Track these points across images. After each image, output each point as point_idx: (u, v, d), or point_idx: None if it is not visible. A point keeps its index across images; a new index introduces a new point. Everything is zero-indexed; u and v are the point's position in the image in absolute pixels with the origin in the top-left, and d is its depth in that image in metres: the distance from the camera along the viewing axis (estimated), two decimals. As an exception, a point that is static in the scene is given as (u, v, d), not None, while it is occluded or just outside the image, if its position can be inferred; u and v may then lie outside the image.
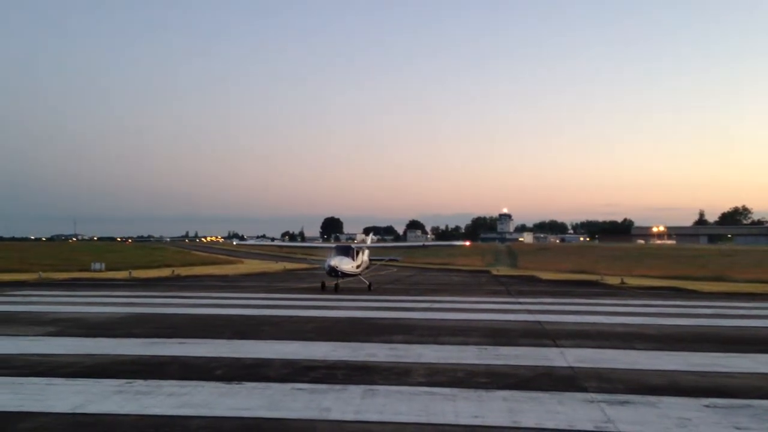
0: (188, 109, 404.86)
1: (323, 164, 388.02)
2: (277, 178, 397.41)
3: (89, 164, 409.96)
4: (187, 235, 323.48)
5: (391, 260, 49.35)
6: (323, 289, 35.71)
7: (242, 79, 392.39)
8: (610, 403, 10.77)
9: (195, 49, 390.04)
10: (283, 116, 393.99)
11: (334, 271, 34.86)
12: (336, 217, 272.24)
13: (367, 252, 40.80)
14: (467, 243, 57.01)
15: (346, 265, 35.89)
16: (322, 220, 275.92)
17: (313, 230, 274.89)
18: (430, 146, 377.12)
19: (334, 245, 41.74)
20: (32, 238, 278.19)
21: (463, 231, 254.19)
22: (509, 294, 36.35)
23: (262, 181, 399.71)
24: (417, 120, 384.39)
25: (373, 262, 42.05)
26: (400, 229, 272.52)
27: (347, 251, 37.67)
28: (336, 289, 34.94)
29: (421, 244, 61.74)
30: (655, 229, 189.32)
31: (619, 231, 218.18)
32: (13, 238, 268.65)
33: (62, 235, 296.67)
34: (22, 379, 12.20)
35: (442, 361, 14.51)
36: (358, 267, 37.65)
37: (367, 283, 37.64)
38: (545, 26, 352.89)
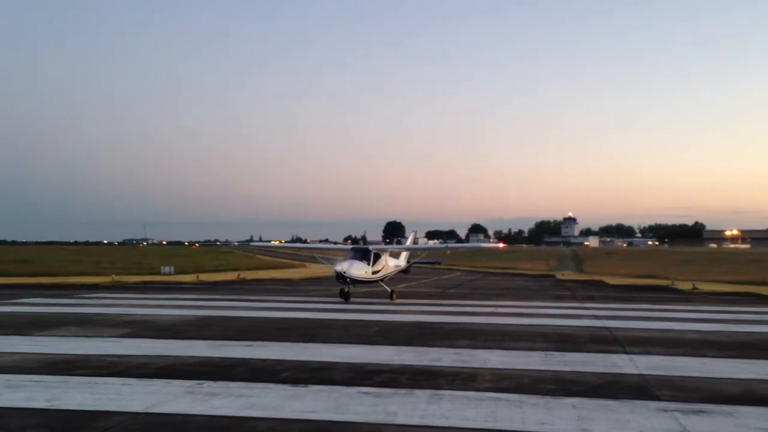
0: (253, 114, 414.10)
1: (387, 167, 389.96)
2: (341, 181, 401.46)
3: (159, 170, 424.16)
4: (251, 239, 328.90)
5: (431, 263, 48.43)
6: (342, 295, 32.23)
7: (309, 83, 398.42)
8: (684, 412, 10.43)
9: (258, 54, 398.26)
10: (348, 120, 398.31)
11: (341, 278, 30.76)
12: (398, 221, 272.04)
13: (403, 255, 37.37)
14: (500, 245, 56.18)
15: (357, 270, 31.40)
16: (384, 224, 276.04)
17: (376, 234, 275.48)
18: (493, 149, 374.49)
19: (350, 247, 37.82)
20: (105, 242, 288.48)
21: (527, 235, 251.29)
22: (575, 299, 35.63)
23: (327, 184, 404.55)
24: (481, 124, 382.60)
25: (410, 265, 38.92)
26: (462, 233, 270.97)
27: (364, 255, 32.87)
28: (346, 297, 31.80)
29: (445, 246, 60.78)
30: (728, 233, 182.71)
31: (689, 235, 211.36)
32: (87, 243, 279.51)
33: (133, 240, 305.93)
34: (98, 378, 12.66)
35: (508, 366, 14.36)
36: (375, 273, 33.00)
37: (389, 291, 33.57)
38: (611, 26, 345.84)
